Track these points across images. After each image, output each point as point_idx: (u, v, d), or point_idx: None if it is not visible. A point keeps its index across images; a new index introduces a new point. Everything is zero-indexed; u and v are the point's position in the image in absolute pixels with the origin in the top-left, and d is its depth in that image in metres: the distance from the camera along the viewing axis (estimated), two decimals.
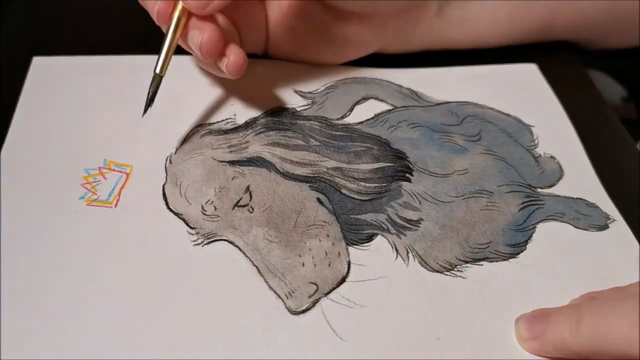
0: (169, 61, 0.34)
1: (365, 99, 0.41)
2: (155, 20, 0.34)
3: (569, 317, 0.28)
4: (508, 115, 0.41)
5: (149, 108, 0.35)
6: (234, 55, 0.34)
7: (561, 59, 0.46)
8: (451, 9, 0.42)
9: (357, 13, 0.39)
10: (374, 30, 0.41)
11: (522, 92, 0.43)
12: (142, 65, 0.41)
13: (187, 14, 0.33)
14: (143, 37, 0.40)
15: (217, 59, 0.34)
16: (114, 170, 0.35)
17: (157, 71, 0.34)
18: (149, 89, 0.34)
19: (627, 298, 0.26)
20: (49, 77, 0.40)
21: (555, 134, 0.40)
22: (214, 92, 0.40)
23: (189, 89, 0.40)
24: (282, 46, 0.41)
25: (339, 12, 0.39)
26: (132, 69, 0.41)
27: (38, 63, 0.41)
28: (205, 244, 0.32)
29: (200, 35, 0.33)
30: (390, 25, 0.41)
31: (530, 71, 0.45)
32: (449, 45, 0.45)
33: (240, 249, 0.32)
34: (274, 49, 0.42)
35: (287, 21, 0.40)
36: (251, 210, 0.33)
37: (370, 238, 0.33)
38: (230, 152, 0.36)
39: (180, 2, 0.33)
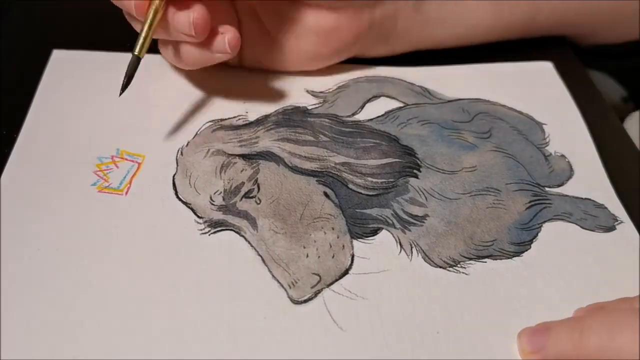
0: (148, 43, 0.34)
1: (376, 96, 0.41)
2: (134, 14, 0.34)
3: (571, 329, 0.28)
4: (520, 112, 0.41)
5: (126, 89, 0.35)
6: (231, 32, 0.34)
7: (561, 59, 0.46)
8: (429, 6, 0.42)
9: (329, 4, 0.38)
10: (350, 25, 0.40)
11: (536, 90, 0.43)
12: (156, 62, 0.42)
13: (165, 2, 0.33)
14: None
15: (207, 41, 0.34)
16: (126, 159, 0.36)
17: (135, 52, 0.34)
18: (127, 69, 0.35)
19: (635, 311, 0.26)
20: (67, 69, 0.41)
21: (568, 133, 0.40)
22: (227, 89, 0.41)
23: (203, 85, 0.41)
24: (255, 49, 0.40)
25: (313, 7, 0.38)
26: (146, 66, 0.41)
27: (57, 56, 0.42)
28: (212, 233, 0.33)
29: (191, 14, 0.33)
30: (366, 19, 0.40)
31: (545, 69, 0.44)
32: (433, 44, 0.44)
33: (246, 239, 0.32)
34: (248, 56, 0.41)
35: (257, 21, 0.39)
36: (258, 202, 0.34)
37: (375, 232, 0.33)
38: (241, 146, 0.37)
39: None
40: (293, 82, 0.42)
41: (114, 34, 0.39)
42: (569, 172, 0.38)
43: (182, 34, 0.34)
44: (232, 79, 0.41)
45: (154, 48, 0.42)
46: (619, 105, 0.48)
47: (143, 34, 0.34)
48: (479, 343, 0.29)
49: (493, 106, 0.41)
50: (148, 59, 0.42)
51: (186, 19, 0.33)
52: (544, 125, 0.40)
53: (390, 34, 0.42)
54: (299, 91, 0.41)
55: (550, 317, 0.29)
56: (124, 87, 0.35)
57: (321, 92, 0.41)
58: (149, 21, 0.33)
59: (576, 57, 0.47)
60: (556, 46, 0.47)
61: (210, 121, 0.38)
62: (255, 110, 0.40)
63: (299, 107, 0.40)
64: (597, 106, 0.43)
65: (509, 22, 0.44)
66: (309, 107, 0.40)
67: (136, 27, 0.36)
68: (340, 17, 0.39)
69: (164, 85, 0.41)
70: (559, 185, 0.37)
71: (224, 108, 0.39)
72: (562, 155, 0.39)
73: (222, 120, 0.39)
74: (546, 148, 0.39)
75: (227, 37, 0.34)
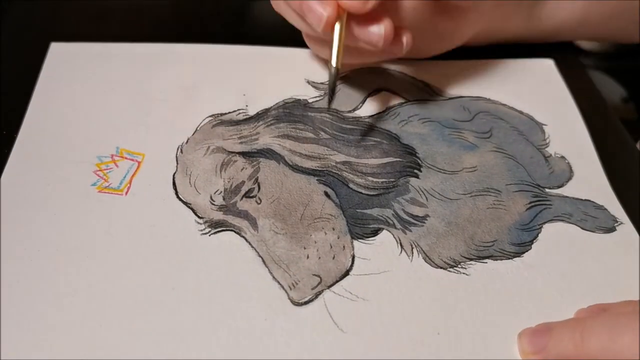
0: (342, 53, 0.35)
1: (378, 90, 0.41)
2: (321, 29, 0.34)
3: (573, 330, 0.28)
4: (520, 112, 0.41)
5: (332, 101, 0.37)
6: (406, 37, 0.36)
7: (561, 59, 0.46)
8: (538, 4, 0.43)
9: (460, 6, 0.40)
10: (470, 22, 0.41)
11: (537, 89, 0.43)
12: (158, 53, 0.41)
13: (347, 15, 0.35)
14: (158, 26, 0.40)
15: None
16: (126, 158, 0.35)
17: (333, 63, 0.35)
18: (329, 81, 0.36)
19: (636, 313, 0.26)
20: (66, 63, 0.41)
21: (568, 133, 0.40)
22: (227, 82, 0.41)
23: (202, 79, 0.41)
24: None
25: (441, 6, 0.39)
26: (147, 57, 0.41)
27: (55, 49, 0.41)
28: (212, 234, 0.33)
29: (382, 28, 0.34)
30: (485, 17, 0.41)
31: (546, 67, 0.44)
32: (523, 39, 0.45)
33: (246, 240, 0.32)
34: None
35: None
36: (259, 202, 0.34)
37: (375, 232, 0.33)
38: (241, 143, 0.37)
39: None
40: (293, 72, 0.42)
41: (112, 27, 0.39)
42: (569, 174, 0.38)
43: (369, 44, 0.35)
44: (232, 71, 0.41)
45: (148, 38, 0.42)
46: (619, 105, 0.48)
47: (336, 46, 0.35)
48: (480, 343, 0.29)
49: (494, 105, 0.41)
50: (147, 53, 0.42)
51: (377, 34, 0.34)
52: (544, 126, 0.40)
53: (499, 29, 0.43)
54: (299, 82, 0.41)
55: (550, 318, 0.30)
56: (330, 100, 0.37)
57: (322, 83, 0.41)
58: (337, 34, 0.35)
59: (576, 57, 0.47)
60: (556, 46, 0.47)
61: (210, 116, 0.38)
62: (256, 102, 0.39)
63: (300, 100, 0.40)
64: (597, 106, 0.43)
65: (593, 24, 0.44)
66: (310, 101, 0.40)
67: (313, 46, 0.37)
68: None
69: (163, 79, 0.40)
70: (558, 187, 0.37)
71: (224, 101, 0.39)
72: (562, 157, 0.39)
73: (222, 114, 0.38)
74: (546, 149, 0.39)
75: (405, 41, 0.36)
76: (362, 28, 0.35)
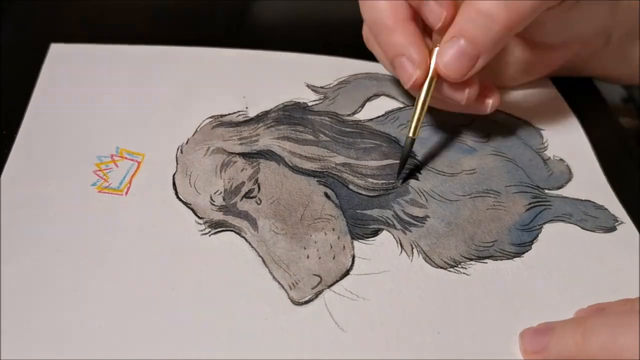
0: (421, 124, 0.35)
1: (377, 95, 0.41)
2: (408, 88, 0.35)
3: (574, 329, 0.28)
4: (518, 117, 0.41)
5: (401, 173, 0.36)
6: (494, 99, 0.37)
7: None
8: (624, 45, 0.43)
9: (551, 44, 0.40)
10: (557, 57, 0.41)
11: (532, 96, 0.43)
12: (158, 55, 0.41)
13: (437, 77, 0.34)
14: (159, 28, 0.40)
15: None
16: (126, 158, 0.35)
17: (410, 135, 0.35)
18: (403, 151, 0.35)
19: (636, 312, 0.26)
20: (66, 64, 0.41)
21: (565, 137, 0.40)
22: (227, 84, 0.41)
23: (202, 80, 0.41)
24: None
25: (532, 45, 0.39)
26: (147, 59, 0.42)
27: (55, 50, 0.41)
28: (212, 234, 0.32)
29: (467, 89, 0.34)
30: (571, 53, 0.41)
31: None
32: (605, 78, 0.46)
33: (246, 240, 0.32)
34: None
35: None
36: (259, 202, 0.34)
37: (375, 233, 0.33)
38: (241, 144, 0.37)
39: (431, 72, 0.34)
40: (293, 76, 0.42)
41: (112, 28, 0.39)
42: (568, 175, 0.38)
43: (452, 102, 0.35)
44: (232, 74, 0.41)
45: (148, 39, 0.43)
46: (619, 105, 0.48)
47: (416, 116, 0.34)
48: (480, 343, 0.29)
49: None
50: (147, 55, 0.42)
51: (461, 95, 0.34)
52: (542, 131, 0.41)
53: (582, 65, 0.44)
54: (299, 86, 0.41)
55: (551, 318, 0.30)
56: (400, 171, 0.36)
57: (321, 88, 0.41)
58: (421, 102, 0.34)
59: None
60: None
61: (210, 117, 0.38)
62: (256, 105, 0.39)
63: (300, 103, 0.40)
64: (597, 106, 0.43)
65: None
66: (310, 104, 0.40)
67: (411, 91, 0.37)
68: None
69: (163, 81, 0.40)
70: (558, 188, 0.37)
71: (224, 103, 0.39)
72: (561, 159, 0.39)
73: (222, 116, 0.38)
74: (545, 152, 0.39)
75: (490, 102, 0.36)
76: (448, 87, 0.34)
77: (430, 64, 0.34)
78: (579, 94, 0.43)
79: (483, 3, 0.31)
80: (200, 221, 0.33)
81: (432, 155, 0.38)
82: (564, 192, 0.37)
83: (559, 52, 0.41)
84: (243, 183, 0.35)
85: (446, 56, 0.33)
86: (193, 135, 0.37)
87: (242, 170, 0.35)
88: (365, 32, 0.38)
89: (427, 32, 0.36)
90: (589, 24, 0.39)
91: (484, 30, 0.32)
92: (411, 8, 0.34)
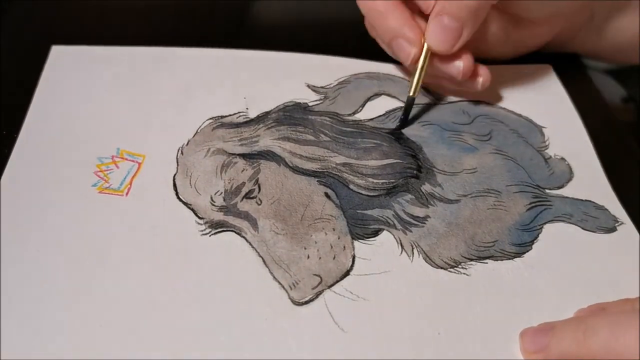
0: (419, 86, 0.39)
1: (377, 94, 0.41)
2: (407, 64, 0.39)
3: (574, 329, 0.28)
4: (519, 115, 0.41)
5: (405, 126, 0.39)
6: (484, 76, 0.39)
7: (562, 58, 0.46)
8: (608, 21, 0.44)
9: (534, 19, 0.42)
10: (542, 33, 0.43)
11: (535, 93, 0.43)
12: (158, 56, 0.41)
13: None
14: (159, 28, 0.40)
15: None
16: (126, 159, 0.36)
17: (410, 94, 0.39)
18: (404, 107, 0.39)
19: (637, 312, 0.26)
20: (67, 65, 0.41)
21: (567, 136, 0.40)
22: (227, 85, 0.41)
23: (203, 81, 0.41)
24: None
25: (516, 19, 0.41)
26: (147, 60, 0.42)
27: (56, 52, 0.41)
28: (212, 234, 0.33)
29: (461, 64, 0.38)
30: (556, 30, 0.43)
31: (545, 72, 0.45)
32: (591, 54, 0.47)
33: (247, 240, 0.32)
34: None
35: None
36: (259, 202, 0.34)
37: (376, 233, 0.33)
38: (241, 145, 0.37)
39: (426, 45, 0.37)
40: (294, 76, 0.42)
41: (112, 28, 0.39)
42: (569, 175, 0.38)
43: (447, 77, 0.39)
44: (232, 74, 0.41)
45: (148, 40, 0.43)
46: (619, 105, 0.48)
47: (416, 78, 0.38)
48: (480, 343, 0.29)
49: (493, 108, 0.41)
50: (148, 56, 0.42)
51: (456, 70, 0.38)
52: (543, 129, 0.40)
53: (569, 40, 0.45)
54: (299, 86, 0.41)
55: (551, 318, 0.30)
56: (403, 124, 0.39)
57: (322, 88, 0.41)
58: (420, 67, 0.38)
59: (576, 57, 0.48)
60: None
61: (210, 118, 0.38)
62: (256, 105, 0.39)
63: (300, 103, 0.40)
64: (597, 106, 0.43)
65: None
66: (310, 104, 0.40)
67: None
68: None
69: (163, 82, 0.41)
70: (559, 188, 0.37)
71: (224, 104, 0.39)
72: (562, 158, 0.39)
73: (222, 117, 0.38)
74: (546, 151, 0.39)
75: (481, 80, 0.39)
76: (443, 62, 0.38)
77: (424, 41, 0.37)
78: (579, 93, 0.43)
79: None
80: (201, 221, 0.33)
81: (432, 155, 0.38)
82: (565, 191, 0.37)
83: (543, 27, 0.43)
84: (243, 184, 0.35)
85: (433, 32, 0.37)
86: (193, 136, 0.37)
87: (242, 170, 0.35)
88: (366, 22, 0.41)
89: (417, 13, 0.39)
90: None
91: (462, 3, 0.36)
92: None
